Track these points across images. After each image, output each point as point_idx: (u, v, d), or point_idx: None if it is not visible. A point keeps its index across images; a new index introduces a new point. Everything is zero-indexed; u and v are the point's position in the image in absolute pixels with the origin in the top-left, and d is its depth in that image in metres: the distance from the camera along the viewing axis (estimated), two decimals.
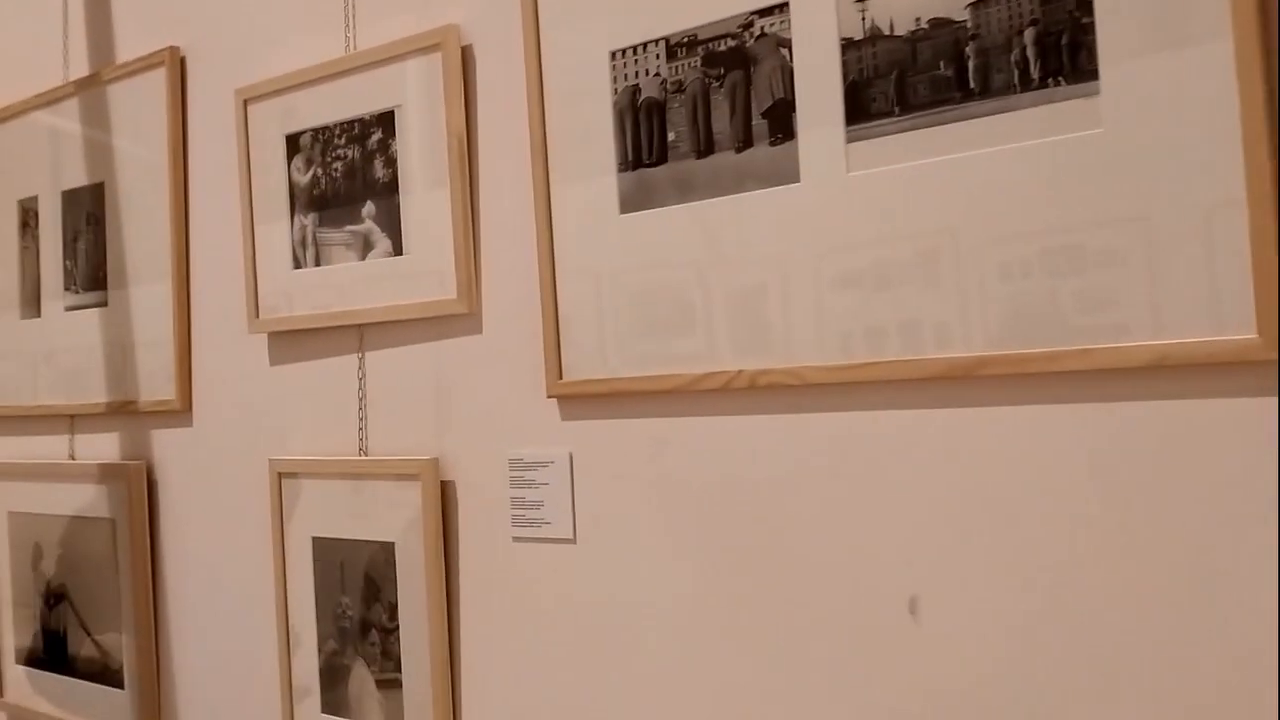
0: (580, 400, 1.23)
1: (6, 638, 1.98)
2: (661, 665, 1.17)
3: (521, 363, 1.29)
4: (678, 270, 1.13)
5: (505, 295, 1.30)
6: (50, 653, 1.89)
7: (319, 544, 1.47)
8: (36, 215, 1.93)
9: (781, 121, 1.06)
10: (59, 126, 1.88)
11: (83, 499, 1.81)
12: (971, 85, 0.96)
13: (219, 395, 1.63)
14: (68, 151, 1.86)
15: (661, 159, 1.14)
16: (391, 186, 1.39)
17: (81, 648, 1.82)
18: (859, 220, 1.02)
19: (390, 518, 1.39)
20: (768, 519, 1.09)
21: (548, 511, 1.25)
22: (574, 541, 1.24)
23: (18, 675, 1.95)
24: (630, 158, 1.17)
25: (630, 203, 1.17)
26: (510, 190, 1.29)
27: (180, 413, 1.68)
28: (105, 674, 1.78)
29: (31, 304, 1.93)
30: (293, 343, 1.53)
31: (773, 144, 1.07)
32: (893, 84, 1.00)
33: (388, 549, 1.39)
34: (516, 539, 1.28)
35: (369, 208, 1.42)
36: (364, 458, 1.44)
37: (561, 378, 1.23)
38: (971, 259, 0.96)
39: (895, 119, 1.00)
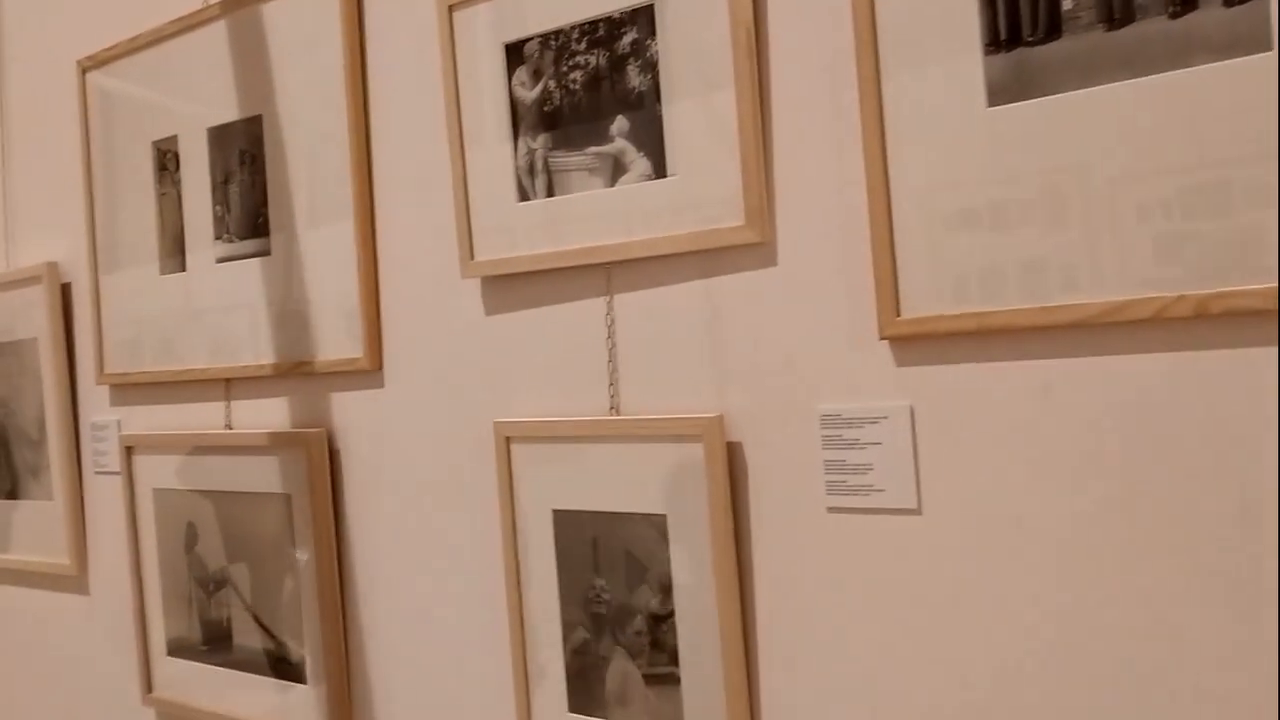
0: (927, 341, 1.01)
1: (155, 628, 1.79)
2: (1040, 678, 0.96)
3: (835, 299, 1.07)
4: (1077, 174, 0.91)
5: (810, 218, 1.09)
6: (211, 644, 1.70)
7: (562, 518, 1.27)
8: (176, 157, 1.72)
9: None
10: (202, 55, 1.66)
11: (247, 472, 1.62)
12: None
13: (419, 351, 1.42)
14: (214, 83, 1.65)
15: (1053, 33, 0.92)
16: (650, 96, 1.17)
17: (251, 639, 1.63)
18: None
19: (659, 486, 1.18)
20: (1229, 489, 0.87)
21: (879, 476, 1.04)
22: (919, 512, 1.02)
23: (170, 668, 1.76)
24: (1004, 35, 0.94)
25: (1004, 92, 0.95)
26: (818, 85, 1.07)
27: (369, 373, 1.47)
28: (282, 667, 1.59)
29: (174, 257, 1.73)
30: (515, 287, 1.32)
31: (1229, 3, 0.84)
32: None
33: (657, 522, 1.18)
34: (834, 509, 1.07)
35: (620, 124, 1.20)
36: (617, 417, 1.23)
37: (899, 315, 1.01)
38: None
39: None
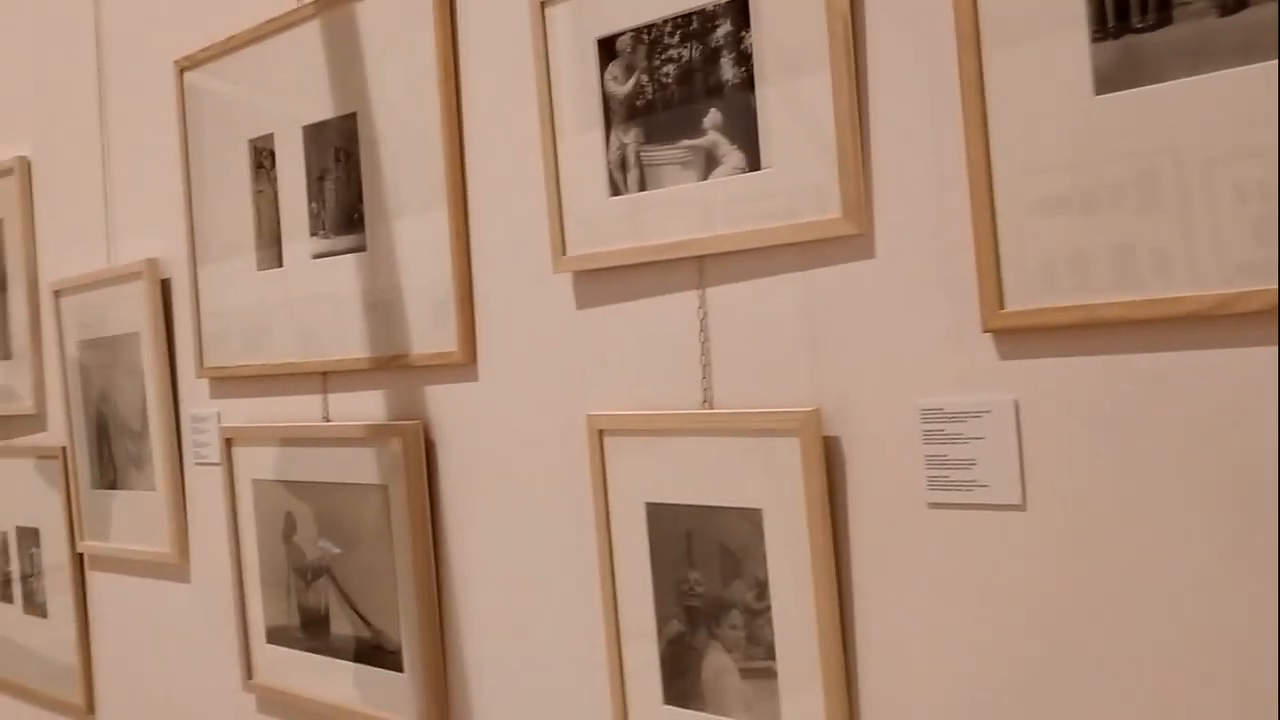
0: (1032, 334, 0.99)
1: (255, 615, 1.83)
2: (1149, 680, 0.94)
3: (936, 292, 1.06)
4: (1185, 166, 0.89)
5: (909, 209, 1.07)
6: (308, 632, 1.74)
7: (655, 511, 1.27)
8: (272, 155, 1.76)
9: None
10: (296, 55, 1.69)
11: (344, 464, 1.65)
12: None
13: (511, 345, 1.43)
14: (309, 81, 1.68)
15: (1163, 20, 0.90)
16: (744, 87, 1.17)
17: (348, 627, 1.67)
18: None
19: (753, 480, 1.18)
20: None
21: (983, 471, 1.03)
22: (1022, 508, 1.01)
23: (270, 655, 1.81)
24: (1111, 22, 0.92)
25: (1111, 79, 0.93)
26: (917, 74, 1.06)
27: (462, 366, 1.49)
28: (378, 655, 1.62)
29: (271, 253, 1.76)
30: (606, 282, 1.32)
31: None
32: None
33: (752, 516, 1.18)
34: (934, 505, 1.06)
35: (713, 117, 1.20)
36: (710, 411, 1.23)
37: (1003, 307, 1.00)
38: None
39: None
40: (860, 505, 1.11)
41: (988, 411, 1.02)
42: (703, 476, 1.22)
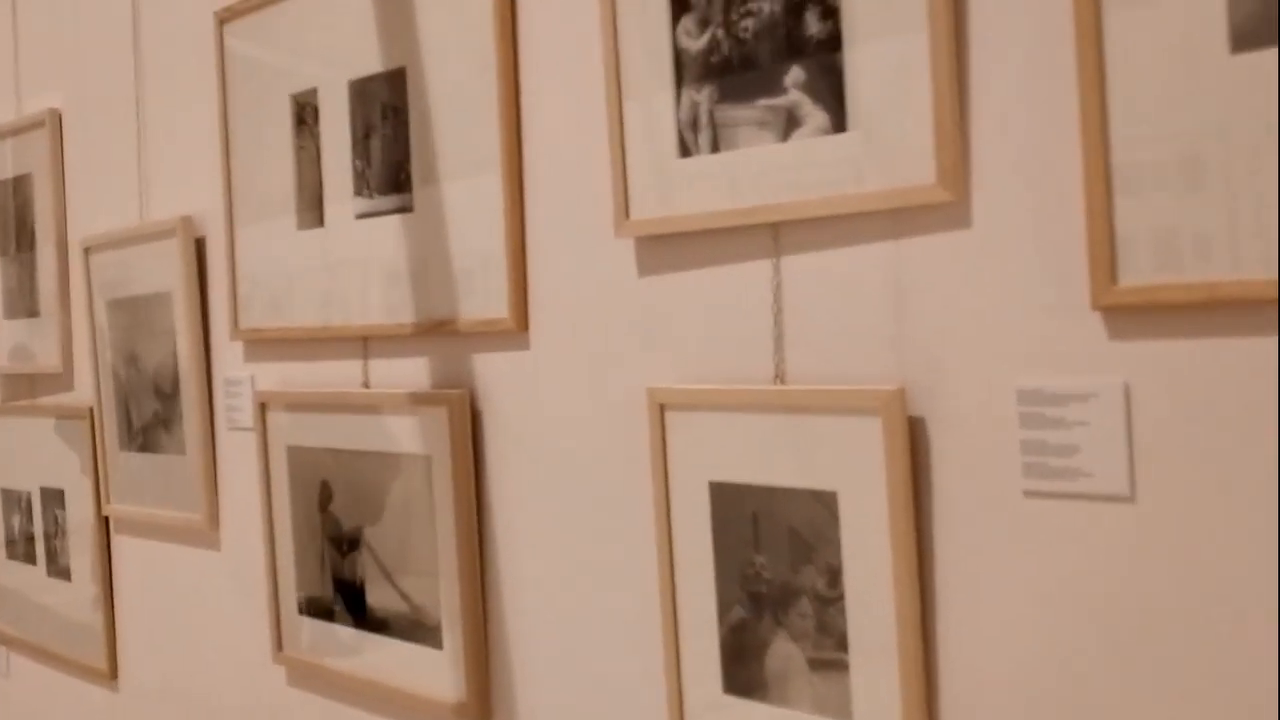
0: (1147, 313, 0.92)
1: (286, 586, 1.78)
2: (1267, 690, 0.87)
3: (1038, 265, 0.98)
4: None
5: (1009, 175, 1.00)
6: (344, 604, 1.68)
7: (719, 490, 1.20)
8: (315, 111, 1.69)
9: None
10: (343, 5, 1.62)
11: (384, 432, 1.58)
12: None
13: (567, 313, 1.37)
14: (355, 34, 1.61)
15: None
16: (830, 44, 1.09)
17: (385, 601, 1.61)
18: None
19: (829, 461, 1.11)
20: None
21: (1087, 459, 0.96)
22: (1131, 500, 0.94)
23: (301, 627, 1.75)
24: None
25: (1250, 36, 0.85)
26: (1024, 26, 0.98)
27: (514, 333, 1.42)
28: (416, 631, 1.56)
29: (312, 212, 1.70)
30: (672, 247, 1.25)
31: None
32: None
33: (826, 500, 1.12)
34: (1030, 493, 0.99)
35: (795, 74, 1.12)
36: (783, 387, 1.16)
37: (1116, 283, 0.92)
38: None
39: None
40: (947, 491, 1.04)
41: (1094, 395, 0.95)
42: (772, 456, 1.15)
